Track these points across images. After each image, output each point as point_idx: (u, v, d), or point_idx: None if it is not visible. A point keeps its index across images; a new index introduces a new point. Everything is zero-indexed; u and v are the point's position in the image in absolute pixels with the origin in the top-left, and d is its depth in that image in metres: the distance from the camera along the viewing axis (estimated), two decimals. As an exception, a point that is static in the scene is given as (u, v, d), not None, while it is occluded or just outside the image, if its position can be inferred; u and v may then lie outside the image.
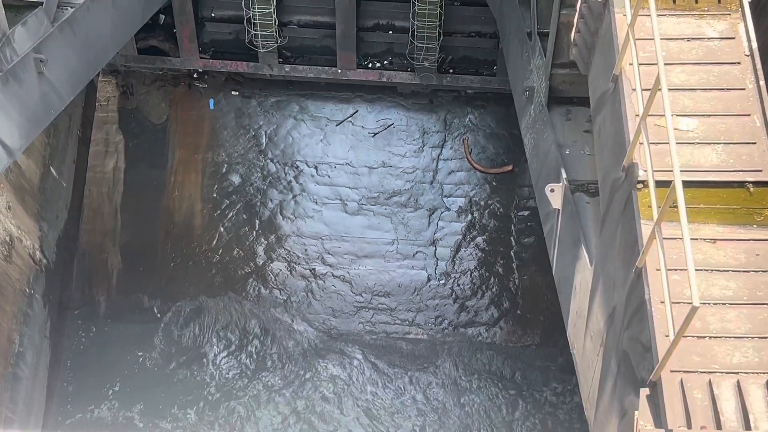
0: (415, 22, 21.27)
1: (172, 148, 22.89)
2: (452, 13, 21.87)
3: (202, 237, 22.07)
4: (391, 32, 22.89)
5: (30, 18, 13.35)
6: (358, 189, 22.43)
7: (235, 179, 22.57)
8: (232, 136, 23.02)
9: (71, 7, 14.71)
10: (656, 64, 7.61)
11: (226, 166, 22.70)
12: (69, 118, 21.46)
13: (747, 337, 7.64)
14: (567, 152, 12.86)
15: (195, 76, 23.31)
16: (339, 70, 22.82)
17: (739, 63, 8.72)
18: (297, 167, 22.60)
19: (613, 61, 8.89)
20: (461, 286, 21.53)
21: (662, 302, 7.55)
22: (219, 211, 22.22)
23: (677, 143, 7.75)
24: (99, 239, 22.03)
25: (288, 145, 22.87)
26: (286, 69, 22.88)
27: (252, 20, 21.46)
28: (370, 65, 23.01)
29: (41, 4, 13.58)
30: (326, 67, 22.92)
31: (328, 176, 22.54)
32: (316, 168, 22.62)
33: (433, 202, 22.31)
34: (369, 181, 22.48)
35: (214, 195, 22.44)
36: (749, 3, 8.90)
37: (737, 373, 7.48)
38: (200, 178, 22.69)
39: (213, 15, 22.95)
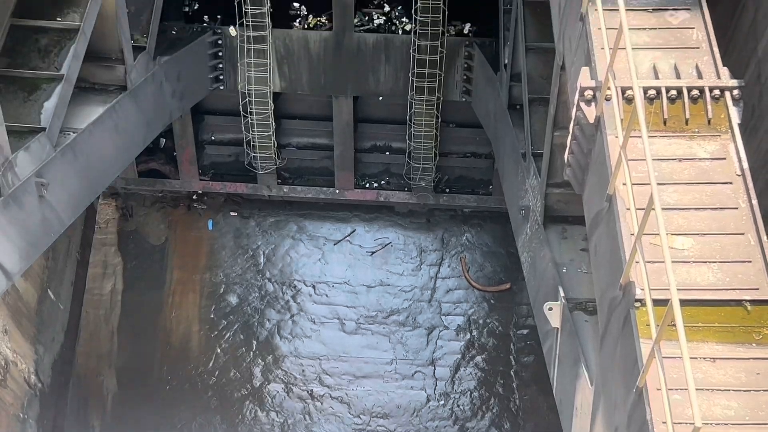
0: (412, 144, 21.65)
1: (171, 269, 22.96)
2: (448, 134, 22.30)
3: (198, 359, 21.92)
4: (388, 153, 23.29)
5: (33, 143, 13.59)
6: (356, 308, 22.40)
7: (233, 299, 22.56)
8: (230, 256, 23.13)
9: (73, 132, 15.01)
10: (649, 184, 7.75)
11: (224, 286, 22.74)
12: (68, 241, 21.60)
13: (751, 458, 7.55)
14: (564, 270, 12.92)
15: (194, 197, 23.58)
16: (337, 191, 23.10)
17: (731, 183, 8.86)
18: (295, 287, 22.63)
19: (606, 181, 9.03)
20: (461, 407, 21.29)
21: (664, 422, 7.47)
22: (216, 332, 22.15)
23: (673, 262, 7.80)
24: (95, 362, 21.87)
25: (286, 265, 22.96)
26: (285, 190, 23.17)
27: (251, 143, 21.82)
28: (367, 185, 23.32)
29: (44, 129, 13.85)
30: (324, 188, 23.22)
31: (326, 295, 22.56)
32: (314, 287, 22.65)
33: (431, 320, 22.27)
34: (367, 300, 22.48)
35: (212, 316, 22.40)
36: (738, 124, 9.12)
37: (743, 494, 7.37)
38: (198, 299, 22.69)
39: (213, 138, 23.37)
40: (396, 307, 22.35)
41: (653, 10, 9.95)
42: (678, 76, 9.30)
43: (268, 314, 22.33)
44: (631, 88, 8.63)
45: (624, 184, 8.63)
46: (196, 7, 21.74)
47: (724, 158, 8.99)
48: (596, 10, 9.28)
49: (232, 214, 23.57)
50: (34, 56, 14.69)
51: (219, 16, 21.33)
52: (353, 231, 23.36)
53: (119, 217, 23.27)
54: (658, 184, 8.32)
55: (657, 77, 9.30)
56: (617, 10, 8.67)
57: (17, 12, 15.09)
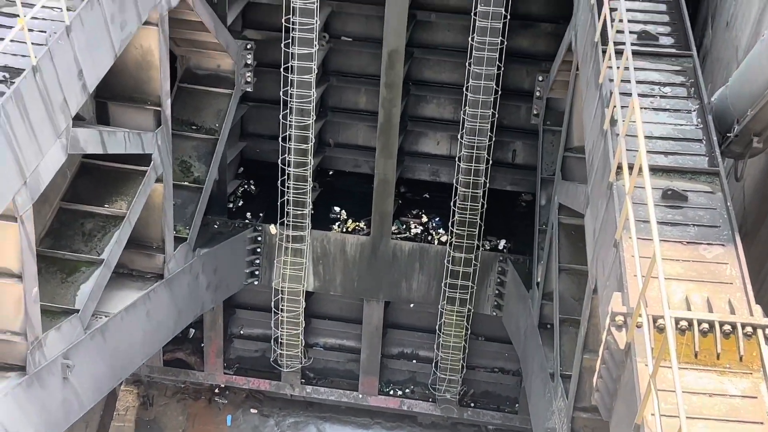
0: (440, 353, 21.56)
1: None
2: (476, 347, 22.23)
3: None
4: (414, 361, 23.17)
5: (64, 324, 13.75)
6: None
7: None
8: (245, 456, 22.74)
9: (105, 316, 15.19)
10: (678, 416, 7.63)
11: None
12: (85, 425, 21.37)
13: None
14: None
15: (216, 390, 23.42)
16: (360, 395, 22.86)
17: (762, 423, 8.70)
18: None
19: (635, 410, 8.89)
20: None
21: None
22: None
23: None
24: None
25: (302, 472, 22.52)
26: (308, 390, 22.98)
27: (279, 340, 21.86)
28: (391, 392, 23.07)
29: (77, 311, 14.04)
30: (348, 391, 23.01)
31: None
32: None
33: None
34: None
35: None
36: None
37: None
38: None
39: (242, 332, 23.48)
40: None
41: (687, 243, 10.11)
42: (710, 310, 9.31)
43: None
44: (662, 317, 8.65)
45: (653, 414, 8.49)
46: (240, 204, 22.40)
47: (756, 397, 8.85)
48: (630, 238, 9.45)
49: (252, 411, 23.31)
50: (77, 239, 15.09)
51: (261, 214, 21.90)
52: (373, 439, 22.98)
53: (139, 405, 23.10)
54: (688, 417, 8.18)
55: (689, 309, 9.32)
56: (651, 240, 8.83)
57: (67, 195, 15.65)
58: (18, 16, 11.80)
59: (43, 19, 12.50)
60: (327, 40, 21.21)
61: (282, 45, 19.47)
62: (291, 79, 19.50)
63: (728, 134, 11.77)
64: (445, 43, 21.39)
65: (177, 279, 17.78)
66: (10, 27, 12.00)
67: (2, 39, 11.64)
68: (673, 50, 12.76)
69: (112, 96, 16.03)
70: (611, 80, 11.61)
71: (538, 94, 20.01)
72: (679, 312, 9.19)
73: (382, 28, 19.76)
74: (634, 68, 11.64)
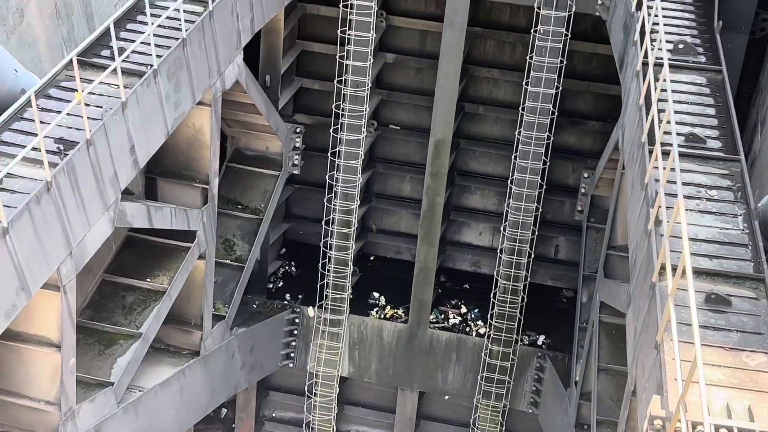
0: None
1: None
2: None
3: None
4: None
5: (99, 396, 13.81)
6: None
7: None
8: None
9: (139, 391, 15.24)
10: None
11: None
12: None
13: None
14: None
15: (244, 472, 23.23)
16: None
17: None
18: None
19: None
20: None
21: None
22: None
23: None
24: None
25: None
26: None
27: (311, 425, 21.72)
28: None
29: (112, 384, 14.10)
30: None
31: None
32: None
33: None
34: None
35: None
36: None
37: None
38: None
39: (273, 415, 23.39)
40: None
41: (730, 348, 9.97)
42: (752, 419, 9.14)
43: None
44: (702, 423, 8.50)
45: None
46: (280, 285, 22.54)
47: None
48: (671, 340, 9.35)
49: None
50: (117, 312, 15.24)
51: (300, 296, 22.01)
52: None
53: (167, 482, 22.91)
54: None
55: (730, 417, 9.16)
56: (692, 343, 8.73)
57: (111, 267, 15.87)
58: (76, 90, 12.17)
59: (100, 94, 12.85)
60: (375, 127, 21.56)
61: (331, 130, 19.84)
62: (338, 164, 19.80)
63: (775, 241, 11.73)
64: (492, 135, 21.64)
65: (213, 357, 17.83)
66: (68, 101, 12.35)
67: (59, 112, 11.98)
68: (720, 153, 12.79)
69: (161, 172, 16.31)
70: (657, 180, 11.65)
71: (583, 190, 20.08)
72: (719, 419, 9.03)
73: (430, 118, 20.09)
74: (681, 170, 11.69)
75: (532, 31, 18.22)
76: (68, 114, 11.98)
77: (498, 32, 20.37)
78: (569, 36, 18.03)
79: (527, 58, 18.48)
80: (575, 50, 19.01)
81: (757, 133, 17.30)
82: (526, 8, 18.85)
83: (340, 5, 18.64)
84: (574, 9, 17.77)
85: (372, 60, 19.14)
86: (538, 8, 17.82)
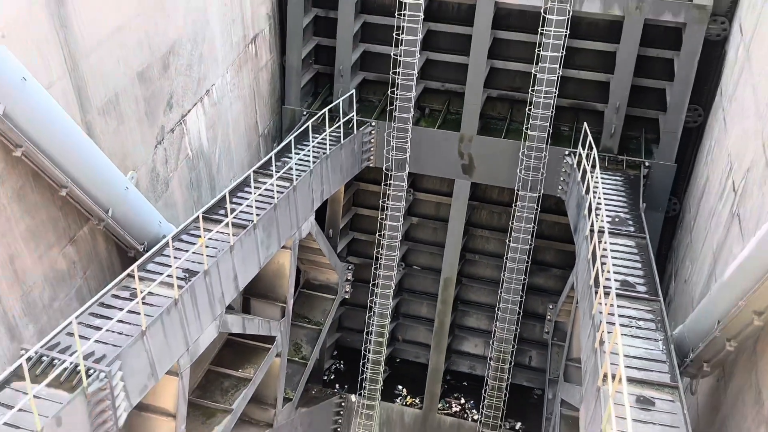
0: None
1: None
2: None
3: None
4: None
5: (199, 453, 13.35)
6: None
7: None
8: None
9: None
10: None
11: None
12: None
13: None
14: None
15: None
16: None
17: None
18: None
19: None
20: None
21: None
22: None
23: None
24: None
25: None
26: None
27: (349, 482, 20.94)
28: None
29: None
30: None
31: None
32: None
33: None
34: None
35: None
36: None
37: None
38: None
39: (323, 473, 22.53)
40: None
41: None
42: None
43: None
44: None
45: None
46: (332, 377, 22.14)
47: None
48: (611, 429, 9.05)
49: None
50: (217, 393, 14.89)
51: (346, 386, 21.57)
52: None
53: None
54: None
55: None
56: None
57: (214, 360, 15.61)
58: (200, 236, 12.38)
59: (216, 240, 12.99)
60: (403, 267, 21.59)
61: (372, 269, 19.89)
62: (376, 292, 19.75)
63: (685, 359, 11.46)
64: (485, 275, 21.50)
65: (282, 429, 17.35)
66: (194, 243, 12.50)
67: (187, 251, 12.13)
68: (646, 295, 12.64)
69: (254, 293, 16.26)
70: (601, 312, 11.54)
71: (548, 317, 19.81)
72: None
73: (442, 262, 20.09)
74: (617, 305, 11.58)
75: (513, 205, 18.38)
76: (193, 252, 12.13)
77: (489, 205, 20.51)
78: (539, 210, 18.17)
79: (510, 223, 18.60)
80: (543, 219, 19.07)
81: (672, 281, 17.08)
82: (509, 189, 19.03)
83: (382, 184, 19.04)
84: (542, 191, 17.96)
85: (402, 221, 19.37)
86: (518, 190, 18.05)
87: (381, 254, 19.55)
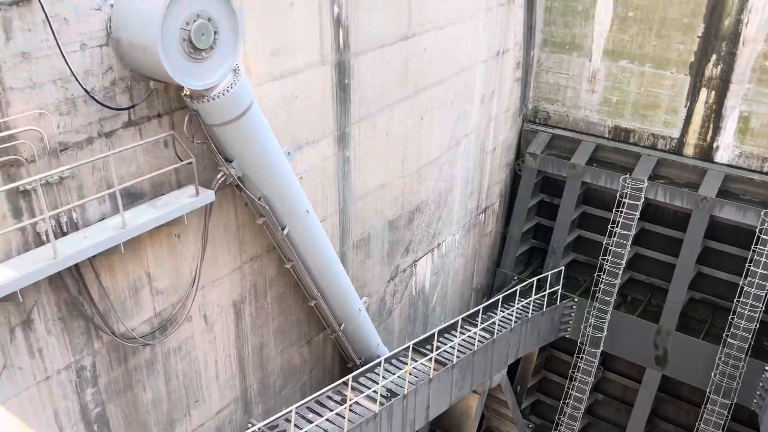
0: None
1: None
2: None
3: None
4: None
5: None
6: None
7: None
8: None
9: None
10: None
11: None
12: None
13: None
14: None
15: None
16: None
17: None
18: None
19: None
20: None
21: None
22: None
23: None
24: None
25: None
26: None
27: None
28: None
29: None
30: None
31: None
32: None
33: None
34: None
35: None
36: None
37: None
38: None
39: None
40: None
41: None
42: None
43: None
44: None
45: None
46: None
47: None
48: None
49: None
50: None
51: None
52: None
53: None
54: None
55: None
56: None
57: None
58: (406, 364, 13.00)
59: (419, 370, 13.37)
60: (581, 440, 20.50)
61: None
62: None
63: None
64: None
65: None
66: (401, 368, 12.93)
67: (394, 374, 12.64)
68: None
69: (439, 426, 16.21)
70: None
71: None
72: None
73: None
74: None
75: (703, 407, 16.96)
76: (398, 377, 12.71)
77: (678, 401, 19.03)
78: (729, 417, 16.63)
79: (696, 423, 17.15)
80: (732, 428, 17.25)
81: None
82: (700, 390, 17.68)
83: (575, 356, 18.79)
84: (735, 400, 16.53)
85: (587, 394, 18.59)
86: (710, 393, 16.72)
87: (562, 421, 18.95)
